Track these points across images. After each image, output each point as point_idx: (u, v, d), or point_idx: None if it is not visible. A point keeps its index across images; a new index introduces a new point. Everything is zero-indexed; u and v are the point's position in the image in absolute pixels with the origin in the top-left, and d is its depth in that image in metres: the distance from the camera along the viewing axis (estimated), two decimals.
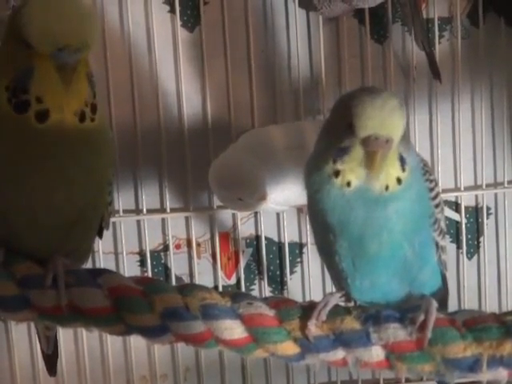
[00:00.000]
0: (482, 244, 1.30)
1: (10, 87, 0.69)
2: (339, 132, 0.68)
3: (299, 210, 1.23)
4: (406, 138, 0.70)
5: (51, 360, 0.97)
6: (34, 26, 0.66)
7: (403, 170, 0.69)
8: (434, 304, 0.73)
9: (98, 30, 0.70)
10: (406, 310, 0.73)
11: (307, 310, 0.74)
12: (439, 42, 1.23)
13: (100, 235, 0.85)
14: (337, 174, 0.68)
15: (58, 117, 0.68)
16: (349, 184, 0.68)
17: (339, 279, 0.76)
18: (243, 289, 1.23)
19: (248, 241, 1.25)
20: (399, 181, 0.69)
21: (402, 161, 0.69)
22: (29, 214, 0.73)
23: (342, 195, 0.69)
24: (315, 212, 0.72)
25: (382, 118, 0.66)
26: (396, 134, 0.67)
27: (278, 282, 1.26)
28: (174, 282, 1.21)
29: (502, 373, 0.70)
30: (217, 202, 1.20)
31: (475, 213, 1.29)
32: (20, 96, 0.68)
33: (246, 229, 1.25)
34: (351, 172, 0.68)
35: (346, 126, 0.67)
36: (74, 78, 0.68)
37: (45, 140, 0.69)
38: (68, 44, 0.67)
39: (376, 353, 0.72)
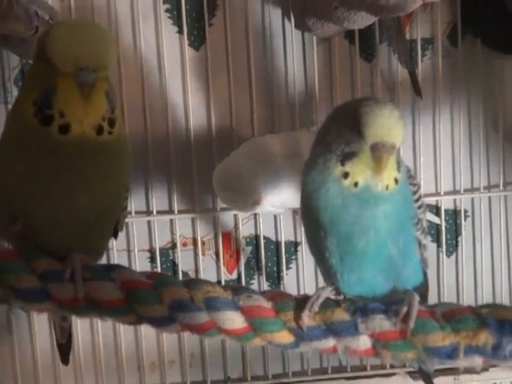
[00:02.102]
0: (460, 243, 1.29)
1: (37, 102, 0.69)
2: (346, 137, 0.69)
3: (294, 212, 1.23)
4: None
5: (65, 349, 0.97)
6: (58, 48, 0.68)
7: (399, 171, 0.70)
8: (417, 297, 0.73)
9: (115, 52, 0.71)
10: (391, 303, 0.73)
11: (301, 302, 0.74)
12: (422, 61, 1.22)
13: (115, 236, 0.85)
14: (345, 175, 0.69)
15: (78, 130, 0.69)
16: (356, 184, 0.69)
17: (329, 274, 0.76)
18: (243, 283, 1.23)
19: (248, 240, 1.25)
20: (396, 181, 0.70)
21: (398, 164, 0.71)
22: (52, 215, 0.73)
23: (347, 194, 0.69)
24: (313, 210, 0.71)
25: (389, 127, 0.67)
26: (399, 140, 0.68)
27: (275, 277, 1.26)
28: (180, 277, 1.20)
29: (478, 360, 0.70)
30: (220, 204, 1.20)
31: (454, 215, 1.29)
32: (45, 110, 0.69)
33: (246, 229, 1.24)
34: (360, 174, 0.69)
35: (353, 132, 0.68)
36: (93, 95, 0.69)
37: (67, 150, 0.70)
38: (88, 65, 0.68)
39: (363, 342, 0.72)
